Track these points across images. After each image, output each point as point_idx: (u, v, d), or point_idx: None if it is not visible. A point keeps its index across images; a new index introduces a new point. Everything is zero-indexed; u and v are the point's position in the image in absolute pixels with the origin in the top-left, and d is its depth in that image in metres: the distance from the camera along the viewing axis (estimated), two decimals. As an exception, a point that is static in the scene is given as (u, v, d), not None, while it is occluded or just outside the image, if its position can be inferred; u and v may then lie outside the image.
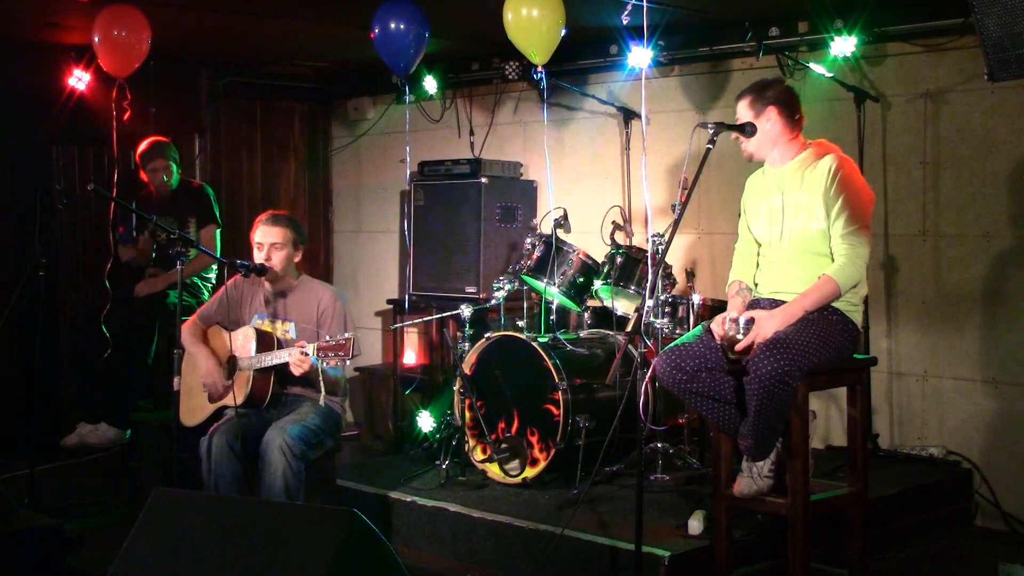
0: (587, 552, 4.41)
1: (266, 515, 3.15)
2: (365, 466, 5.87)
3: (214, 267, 6.40)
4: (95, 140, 6.14)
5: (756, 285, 4.33)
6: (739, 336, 4.00)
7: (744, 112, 4.24)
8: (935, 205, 5.60)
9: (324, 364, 4.59)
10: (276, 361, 4.72)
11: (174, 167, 6.39)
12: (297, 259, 5.01)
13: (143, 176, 6.41)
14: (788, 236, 4.18)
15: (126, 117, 5.85)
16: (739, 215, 4.48)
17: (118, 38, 5.55)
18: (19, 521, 4.35)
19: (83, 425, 6.21)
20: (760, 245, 4.34)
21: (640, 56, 5.79)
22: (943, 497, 5.32)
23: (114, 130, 5.86)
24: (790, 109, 4.21)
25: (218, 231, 6.38)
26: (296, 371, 4.63)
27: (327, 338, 4.57)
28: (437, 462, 5.42)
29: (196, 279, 6.29)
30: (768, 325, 3.98)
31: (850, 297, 4.13)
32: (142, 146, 6.40)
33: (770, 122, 4.20)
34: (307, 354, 4.59)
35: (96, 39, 5.55)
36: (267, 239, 4.92)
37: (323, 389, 4.71)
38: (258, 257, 4.91)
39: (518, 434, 5.33)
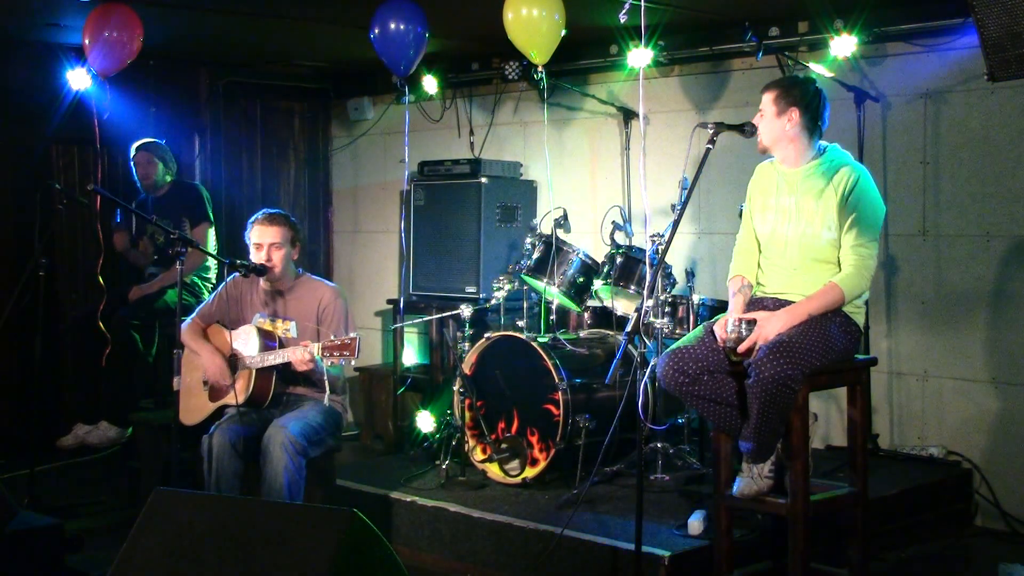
0: (587, 552, 4.41)
1: (266, 515, 3.15)
2: (365, 466, 5.88)
3: (214, 266, 6.41)
4: (94, 140, 6.15)
5: (759, 285, 4.32)
6: (742, 337, 4.00)
7: (767, 105, 4.19)
8: (935, 205, 5.60)
9: (327, 363, 4.59)
10: (279, 360, 4.72)
11: (160, 165, 6.39)
12: (295, 256, 4.99)
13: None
14: (798, 242, 4.16)
15: (105, 116, 5.86)
16: (742, 206, 4.45)
17: (108, 38, 5.54)
18: (19, 521, 4.35)
19: (80, 426, 6.21)
20: (760, 241, 4.33)
21: (640, 56, 5.79)
22: (943, 497, 5.32)
23: (96, 127, 5.86)
24: (813, 113, 4.17)
25: (211, 229, 6.38)
26: (301, 368, 4.63)
27: (332, 338, 4.57)
28: (437, 462, 5.42)
29: (195, 278, 6.30)
30: (771, 326, 3.98)
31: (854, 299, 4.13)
32: (133, 146, 6.44)
33: (791, 122, 4.15)
34: (312, 353, 4.58)
35: (86, 39, 5.55)
36: (266, 239, 4.90)
37: (327, 388, 4.70)
38: (257, 257, 4.89)
39: (518, 434, 5.33)
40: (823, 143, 4.24)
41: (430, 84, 7.10)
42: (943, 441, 5.56)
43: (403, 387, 6.56)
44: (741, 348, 4.00)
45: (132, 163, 6.43)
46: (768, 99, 4.21)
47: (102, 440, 6.16)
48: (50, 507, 5.33)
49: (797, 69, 5.80)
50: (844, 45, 5.56)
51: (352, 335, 4.52)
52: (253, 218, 4.98)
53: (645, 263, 5.27)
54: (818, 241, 4.12)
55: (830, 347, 3.99)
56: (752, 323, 4.01)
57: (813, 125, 4.19)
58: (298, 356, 4.61)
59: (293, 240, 4.96)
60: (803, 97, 4.17)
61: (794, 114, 4.15)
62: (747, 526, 4.47)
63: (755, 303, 4.25)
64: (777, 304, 4.15)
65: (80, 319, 6.34)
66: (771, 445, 4.05)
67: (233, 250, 6.38)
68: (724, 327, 4.06)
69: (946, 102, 5.55)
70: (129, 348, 6.06)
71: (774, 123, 4.18)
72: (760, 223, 4.31)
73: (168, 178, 6.45)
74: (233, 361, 4.90)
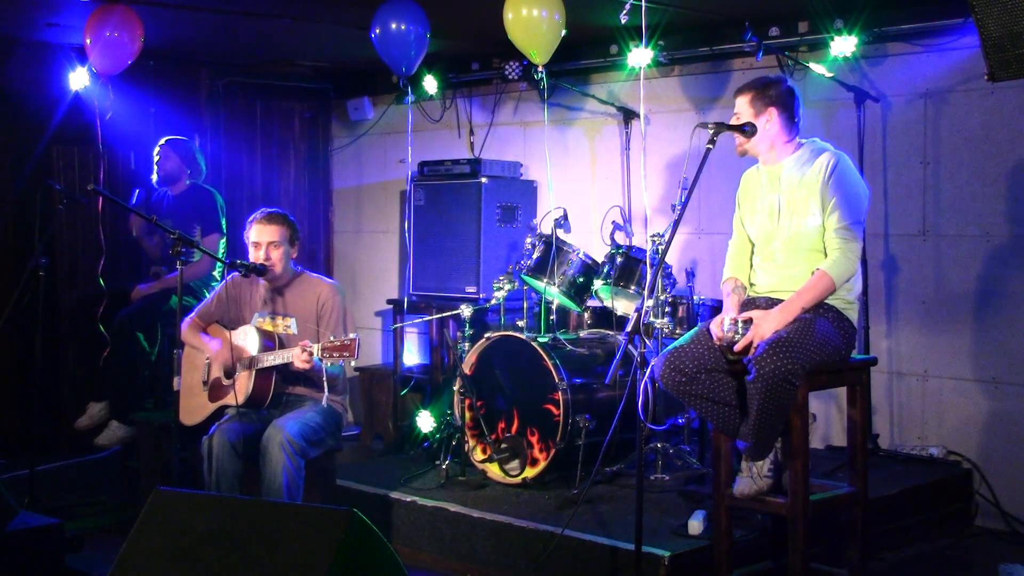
0: (587, 552, 4.41)
1: (266, 515, 3.15)
2: (365, 466, 5.88)
3: (219, 274, 6.39)
4: (95, 140, 6.15)
5: (752, 284, 4.33)
6: (738, 336, 4.00)
7: (744, 108, 4.23)
8: (935, 205, 5.60)
9: (327, 363, 4.60)
10: (279, 361, 4.72)
11: (176, 161, 6.38)
12: (294, 255, 5.01)
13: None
14: (786, 233, 4.19)
15: (108, 116, 5.87)
16: (735, 211, 4.48)
17: (110, 38, 5.55)
18: (19, 521, 4.35)
19: (92, 405, 6.20)
20: (753, 244, 4.35)
21: (640, 56, 5.79)
22: (943, 497, 5.32)
23: (98, 128, 5.87)
24: (790, 111, 4.23)
25: (222, 240, 6.36)
26: (302, 368, 4.63)
27: (331, 338, 4.57)
28: (437, 462, 5.43)
29: (200, 285, 6.27)
30: (766, 324, 3.99)
31: (844, 295, 4.14)
32: None
33: (770, 122, 4.20)
34: (312, 354, 4.59)
35: (88, 39, 5.55)
36: (264, 238, 4.91)
37: (326, 388, 4.71)
38: (256, 256, 4.91)
39: (518, 434, 5.34)
40: (801, 139, 4.27)
41: (430, 84, 7.10)
42: (943, 441, 5.56)
43: (407, 388, 6.56)
44: (738, 347, 4.01)
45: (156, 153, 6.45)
46: (743, 102, 4.24)
47: (112, 440, 6.14)
48: (50, 507, 5.33)
49: (797, 69, 5.80)
50: (844, 45, 5.56)
51: (352, 336, 4.53)
52: (251, 217, 4.99)
53: (645, 263, 5.27)
54: (805, 228, 4.14)
55: (826, 341, 4.01)
56: (747, 323, 4.02)
57: (791, 122, 4.24)
58: (298, 357, 4.62)
59: (291, 239, 4.97)
60: (779, 96, 4.22)
61: (773, 114, 4.20)
62: (747, 526, 4.47)
63: (748, 303, 4.27)
64: (770, 304, 4.17)
65: (78, 309, 6.34)
66: (770, 442, 4.06)
67: (233, 250, 6.38)
68: (720, 326, 4.07)
69: (946, 102, 5.55)
70: (132, 349, 6.05)
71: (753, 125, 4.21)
72: (751, 225, 4.34)
73: (187, 180, 6.41)
74: (233, 360, 4.90)
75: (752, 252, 4.36)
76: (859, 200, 4.16)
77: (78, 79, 6.25)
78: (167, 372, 6.02)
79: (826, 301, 4.10)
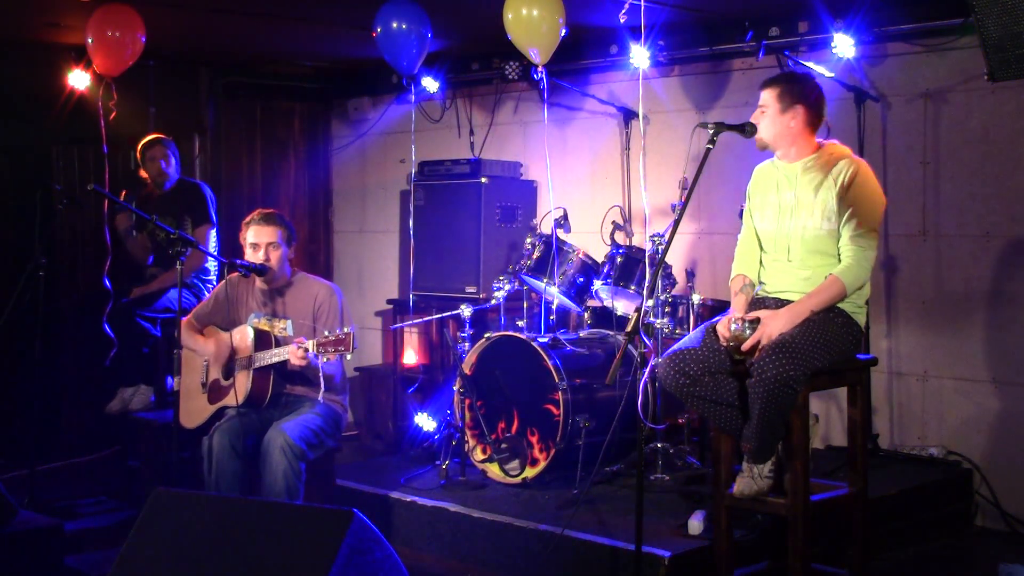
0: (587, 552, 4.41)
1: (266, 515, 3.15)
2: (365, 466, 5.87)
3: (214, 268, 6.41)
4: (95, 140, 6.15)
5: (761, 283, 4.31)
6: (745, 335, 3.99)
7: (770, 101, 4.16)
8: (935, 205, 5.60)
9: (323, 359, 4.60)
10: (275, 359, 4.72)
11: (174, 161, 6.41)
12: (291, 255, 5.02)
13: (143, 173, 6.43)
14: (799, 235, 4.14)
15: (112, 117, 5.88)
16: (741, 206, 4.45)
17: (111, 38, 5.56)
18: (19, 521, 4.36)
19: (124, 390, 6.21)
20: (761, 240, 4.32)
21: (640, 56, 5.79)
22: (943, 497, 5.32)
23: (103, 128, 5.88)
24: (816, 109, 4.18)
25: (212, 231, 6.38)
26: (297, 363, 4.63)
27: (326, 333, 4.58)
28: (437, 462, 5.43)
29: (195, 280, 6.29)
30: (774, 325, 3.97)
31: (855, 299, 4.11)
32: (144, 140, 6.44)
33: (795, 119, 4.15)
34: (307, 351, 4.59)
35: (90, 39, 5.56)
36: (263, 239, 4.92)
37: (322, 385, 4.71)
38: (254, 257, 4.92)
39: (518, 434, 5.34)
40: (821, 141, 4.24)
41: (430, 84, 7.10)
42: (943, 441, 5.56)
43: (413, 387, 6.56)
44: (745, 347, 3.99)
45: (146, 157, 6.42)
46: (770, 96, 4.18)
47: (146, 403, 6.16)
48: (50, 507, 5.33)
49: (797, 69, 5.79)
50: (844, 45, 5.56)
51: (347, 329, 4.53)
52: (248, 219, 5.01)
53: (645, 263, 5.27)
54: (818, 232, 4.10)
55: (831, 347, 3.98)
56: (755, 322, 4.00)
57: (817, 120, 4.19)
58: (294, 354, 4.62)
59: (289, 239, 5.00)
60: (806, 94, 4.17)
61: (799, 111, 4.15)
62: (747, 526, 4.47)
63: (757, 303, 4.24)
64: (779, 304, 4.14)
65: (84, 304, 6.37)
66: (772, 445, 4.05)
67: (233, 250, 6.38)
68: (727, 326, 4.05)
69: (946, 102, 5.55)
70: (134, 326, 6.08)
71: (778, 120, 4.17)
72: (760, 221, 4.30)
73: (175, 172, 6.45)
74: (231, 360, 4.90)
75: (761, 248, 4.34)
76: (876, 209, 4.12)
77: (78, 79, 6.25)
78: (166, 348, 6.05)
79: (836, 305, 4.09)
